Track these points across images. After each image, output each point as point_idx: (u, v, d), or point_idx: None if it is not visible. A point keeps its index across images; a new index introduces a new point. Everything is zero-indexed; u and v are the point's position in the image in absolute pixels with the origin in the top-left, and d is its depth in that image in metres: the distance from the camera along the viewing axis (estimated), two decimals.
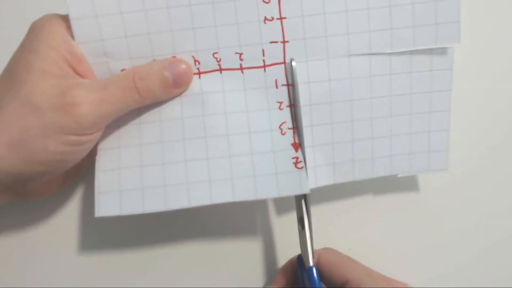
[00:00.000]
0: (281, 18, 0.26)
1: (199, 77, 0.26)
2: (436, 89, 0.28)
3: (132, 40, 0.26)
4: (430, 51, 0.28)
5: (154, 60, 0.26)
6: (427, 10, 0.27)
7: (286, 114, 0.27)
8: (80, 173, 0.30)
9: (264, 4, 0.26)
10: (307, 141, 0.27)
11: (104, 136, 0.26)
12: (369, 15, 0.26)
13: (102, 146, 0.26)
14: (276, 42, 0.26)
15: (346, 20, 0.26)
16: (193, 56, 0.26)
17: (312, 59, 0.27)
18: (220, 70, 0.26)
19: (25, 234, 0.31)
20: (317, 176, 0.28)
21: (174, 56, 0.26)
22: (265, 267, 0.31)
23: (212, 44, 0.26)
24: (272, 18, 0.26)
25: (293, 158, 0.26)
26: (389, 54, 0.27)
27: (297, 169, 0.26)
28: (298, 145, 0.27)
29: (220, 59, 0.26)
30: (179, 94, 0.26)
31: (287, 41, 0.26)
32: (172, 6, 0.25)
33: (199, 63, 0.26)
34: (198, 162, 0.26)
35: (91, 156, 0.27)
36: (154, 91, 0.25)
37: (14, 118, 0.23)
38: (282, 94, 0.27)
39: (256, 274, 0.31)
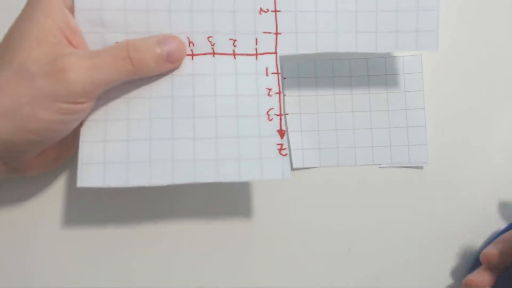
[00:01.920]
0: (275, 11, 0.27)
1: (192, 59, 0.27)
2: (410, 89, 0.32)
3: (130, 14, 0.26)
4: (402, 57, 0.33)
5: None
6: (409, 18, 0.28)
7: (274, 100, 0.27)
8: (73, 153, 0.29)
9: None
10: (295, 127, 0.32)
11: (92, 108, 0.26)
12: (357, 17, 0.28)
13: (88, 117, 0.26)
14: (269, 32, 0.27)
15: (336, 19, 0.28)
16: (188, 37, 0.27)
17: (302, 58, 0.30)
18: (213, 53, 0.27)
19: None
20: (304, 157, 0.32)
21: None
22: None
23: (207, 28, 0.27)
24: (267, 10, 0.27)
25: (277, 144, 0.27)
26: (366, 58, 0.33)
27: (280, 156, 0.27)
28: (284, 132, 0.27)
29: (214, 43, 0.27)
30: (172, 70, 0.27)
31: (280, 33, 0.27)
32: None
33: (193, 45, 0.27)
34: (185, 141, 0.27)
35: None
36: (148, 63, 0.25)
37: (6, 86, 0.23)
38: (272, 81, 0.28)
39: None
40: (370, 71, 0.33)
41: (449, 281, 0.32)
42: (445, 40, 0.29)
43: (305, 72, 0.32)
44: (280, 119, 0.27)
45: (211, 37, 0.27)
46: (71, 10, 0.26)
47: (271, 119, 0.27)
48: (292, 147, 0.32)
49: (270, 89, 0.27)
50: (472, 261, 0.32)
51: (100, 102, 0.26)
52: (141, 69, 0.25)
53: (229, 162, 0.27)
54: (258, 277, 0.31)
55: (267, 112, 0.27)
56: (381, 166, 0.32)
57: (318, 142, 0.32)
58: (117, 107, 0.27)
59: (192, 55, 0.27)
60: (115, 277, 0.30)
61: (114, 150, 0.26)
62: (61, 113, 0.24)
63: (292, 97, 0.32)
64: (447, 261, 0.32)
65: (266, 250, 0.31)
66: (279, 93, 0.28)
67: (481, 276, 0.29)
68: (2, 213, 0.31)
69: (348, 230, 0.32)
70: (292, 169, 0.32)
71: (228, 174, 0.26)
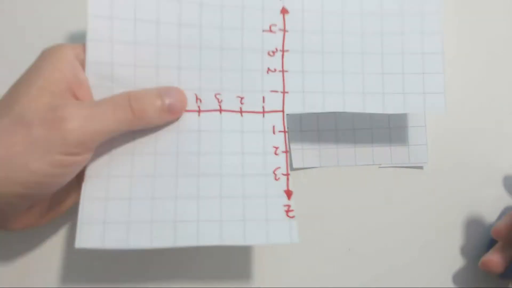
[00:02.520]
0: (283, 71, 0.27)
1: (199, 115, 0.27)
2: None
3: (140, 70, 0.26)
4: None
5: None
6: (416, 81, 0.28)
7: (281, 160, 0.27)
8: (65, 209, 0.27)
9: (269, 57, 0.27)
10: (295, 127, 0.32)
11: (94, 163, 0.25)
12: (364, 78, 0.28)
13: (90, 173, 0.25)
14: (277, 91, 0.27)
15: (343, 80, 0.28)
16: (195, 94, 0.27)
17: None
18: (220, 110, 0.27)
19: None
20: (304, 157, 0.32)
21: None
22: None
23: (215, 86, 0.27)
24: (275, 70, 0.27)
25: (285, 205, 0.26)
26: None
27: (288, 218, 0.26)
28: (291, 192, 0.27)
29: (221, 100, 0.27)
30: (172, 121, 0.26)
31: (287, 92, 0.27)
32: (184, 46, 0.26)
33: (200, 101, 0.27)
34: (188, 200, 0.26)
35: (78, 191, 0.25)
36: (149, 112, 0.25)
37: (2, 133, 0.23)
38: (279, 139, 0.27)
39: None
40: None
41: (449, 281, 0.33)
42: (446, 41, 0.29)
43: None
44: (287, 179, 0.27)
45: (219, 94, 0.27)
46: (83, 63, 0.25)
47: (278, 179, 0.27)
48: (292, 147, 0.32)
49: (277, 148, 0.27)
50: (487, 244, 0.32)
51: (103, 158, 0.26)
52: (141, 118, 0.25)
53: (234, 223, 0.26)
54: (258, 277, 0.31)
55: (274, 171, 0.27)
56: (381, 166, 0.32)
57: (318, 142, 0.32)
58: (121, 163, 0.26)
59: (199, 111, 0.27)
60: None
61: (115, 209, 0.25)
62: (54, 166, 0.23)
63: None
64: (447, 261, 0.33)
65: (265, 250, 0.31)
66: (286, 152, 0.27)
67: (497, 254, 0.30)
68: None
69: (348, 230, 0.32)
70: (292, 169, 0.32)
71: (232, 236, 0.25)
